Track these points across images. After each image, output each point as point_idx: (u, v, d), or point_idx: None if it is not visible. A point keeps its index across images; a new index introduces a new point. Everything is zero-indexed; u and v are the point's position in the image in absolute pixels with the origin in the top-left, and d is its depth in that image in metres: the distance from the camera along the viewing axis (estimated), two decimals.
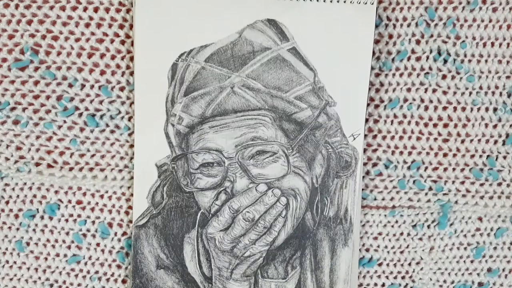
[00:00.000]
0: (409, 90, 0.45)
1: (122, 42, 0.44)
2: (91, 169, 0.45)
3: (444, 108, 0.45)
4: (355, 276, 0.46)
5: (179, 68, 0.43)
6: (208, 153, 0.43)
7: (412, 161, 0.45)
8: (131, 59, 0.43)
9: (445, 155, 0.46)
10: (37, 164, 0.45)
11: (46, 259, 0.46)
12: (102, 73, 0.44)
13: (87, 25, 0.43)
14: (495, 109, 0.45)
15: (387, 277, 0.47)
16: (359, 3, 0.42)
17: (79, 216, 0.46)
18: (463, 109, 0.45)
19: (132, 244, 0.45)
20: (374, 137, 0.45)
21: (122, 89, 0.44)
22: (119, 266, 0.46)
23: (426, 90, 0.45)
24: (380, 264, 0.47)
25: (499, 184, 0.46)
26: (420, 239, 0.47)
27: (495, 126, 0.45)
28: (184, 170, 0.44)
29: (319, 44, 0.43)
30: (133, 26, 0.43)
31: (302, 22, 0.43)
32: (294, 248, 0.44)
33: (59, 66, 0.44)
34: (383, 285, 0.48)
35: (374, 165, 0.46)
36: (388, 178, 0.46)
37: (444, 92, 0.45)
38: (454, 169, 0.46)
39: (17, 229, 0.46)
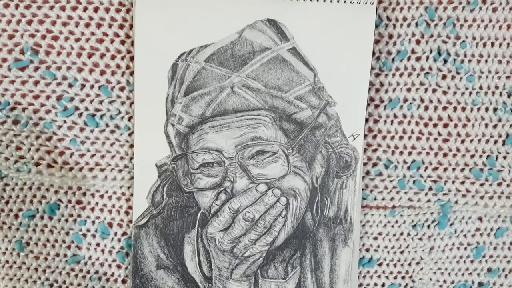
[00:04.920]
0: (409, 90, 0.45)
1: (122, 42, 0.44)
2: (91, 169, 0.45)
3: (444, 108, 0.45)
4: (355, 276, 0.46)
5: (179, 68, 0.43)
6: (208, 153, 0.43)
7: (412, 161, 0.46)
8: (131, 59, 0.43)
9: (445, 155, 0.46)
10: (37, 164, 0.45)
11: (46, 259, 0.46)
12: (102, 73, 0.44)
13: (87, 25, 0.43)
14: (495, 109, 0.45)
15: (387, 277, 0.47)
16: (359, 3, 0.42)
17: (79, 216, 0.46)
18: (463, 109, 0.45)
19: (132, 244, 0.45)
20: (374, 137, 0.45)
21: (122, 89, 0.44)
22: (119, 266, 0.46)
23: (426, 90, 0.45)
24: (380, 264, 0.47)
25: (499, 184, 0.46)
26: (420, 239, 0.47)
27: (495, 126, 0.45)
28: (184, 170, 0.44)
29: (319, 44, 0.43)
30: (133, 26, 0.43)
31: (302, 22, 0.43)
32: (294, 248, 0.44)
33: (59, 66, 0.44)
34: (383, 285, 0.48)
35: (374, 165, 0.46)
36: (388, 178, 0.46)
37: (444, 92, 0.45)
38: (454, 169, 0.46)
39: (17, 229, 0.46)
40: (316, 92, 0.43)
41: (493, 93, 0.45)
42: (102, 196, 0.46)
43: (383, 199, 0.46)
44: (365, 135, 0.45)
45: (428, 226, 0.46)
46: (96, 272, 0.46)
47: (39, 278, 0.46)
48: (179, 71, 0.43)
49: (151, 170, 0.44)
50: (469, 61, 0.44)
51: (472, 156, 0.46)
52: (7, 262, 0.46)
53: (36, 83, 0.44)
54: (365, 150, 0.45)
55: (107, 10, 0.43)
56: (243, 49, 0.43)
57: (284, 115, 0.43)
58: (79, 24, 0.43)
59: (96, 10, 0.43)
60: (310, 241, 0.44)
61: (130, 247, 0.45)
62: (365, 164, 0.45)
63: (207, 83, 0.43)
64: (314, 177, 0.44)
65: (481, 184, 0.46)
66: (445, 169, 0.46)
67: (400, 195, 0.46)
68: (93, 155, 0.45)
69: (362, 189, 0.46)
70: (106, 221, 0.46)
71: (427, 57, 0.44)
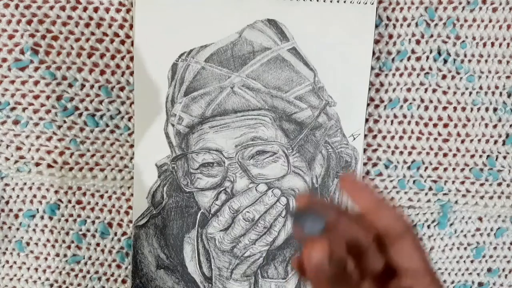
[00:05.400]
0: (409, 90, 0.45)
1: (122, 42, 0.43)
2: (91, 169, 0.45)
3: (444, 108, 0.45)
4: None
5: (179, 68, 0.43)
6: (208, 153, 0.43)
7: (412, 161, 0.45)
8: (131, 59, 0.43)
9: (445, 155, 0.46)
10: (37, 164, 0.45)
11: (46, 259, 0.46)
12: (102, 73, 0.44)
13: (87, 25, 0.43)
14: (495, 109, 0.45)
15: None
16: (359, 3, 0.42)
17: (79, 216, 0.46)
18: (463, 109, 0.45)
19: (132, 244, 0.45)
20: (374, 137, 0.45)
21: (122, 89, 0.44)
22: (119, 266, 0.46)
23: (426, 90, 0.45)
24: None
25: (499, 184, 0.46)
26: (420, 239, 0.46)
27: (495, 126, 0.45)
28: (184, 170, 0.44)
29: (319, 44, 0.43)
30: (133, 26, 0.43)
31: (302, 22, 0.43)
32: (294, 248, 0.44)
33: (59, 66, 0.44)
34: None
35: (374, 165, 0.46)
36: (388, 178, 0.46)
37: (444, 92, 0.45)
38: (454, 169, 0.46)
39: (17, 229, 0.46)
40: (316, 92, 0.43)
41: (493, 93, 0.45)
42: (102, 196, 0.46)
43: None
44: (365, 135, 0.45)
45: (428, 226, 0.46)
46: (96, 272, 0.46)
47: (39, 278, 0.46)
48: (179, 71, 0.43)
49: (151, 170, 0.44)
50: (469, 61, 0.44)
51: (472, 156, 0.46)
52: (7, 262, 0.46)
53: (36, 83, 0.44)
54: (365, 150, 0.45)
55: (107, 10, 0.43)
56: (243, 49, 0.43)
57: (284, 115, 0.43)
58: (79, 24, 0.43)
59: (96, 10, 0.43)
60: None
61: (130, 247, 0.45)
62: (365, 164, 0.45)
63: (207, 83, 0.43)
64: (314, 177, 0.44)
65: (481, 184, 0.46)
66: (445, 169, 0.46)
67: (400, 195, 0.46)
68: (93, 155, 0.45)
69: None
70: (106, 221, 0.46)
71: (427, 57, 0.44)
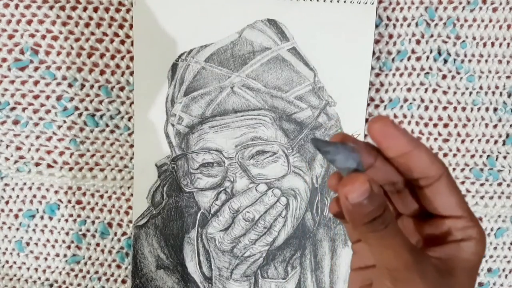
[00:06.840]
0: (409, 90, 0.45)
1: (122, 42, 0.43)
2: (90, 169, 0.45)
3: (444, 108, 0.45)
4: None
5: (179, 68, 0.43)
6: (208, 153, 0.43)
7: None
8: (131, 59, 0.43)
9: (445, 155, 0.46)
10: (37, 164, 0.45)
11: (46, 259, 0.46)
12: (102, 73, 0.44)
13: (87, 25, 0.43)
14: (495, 109, 0.45)
15: None
16: (359, 3, 0.42)
17: (79, 216, 0.46)
18: (463, 109, 0.45)
19: (132, 244, 0.45)
20: None
21: (122, 89, 0.44)
22: (119, 266, 0.46)
23: (426, 90, 0.45)
24: None
25: (499, 184, 0.46)
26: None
27: (495, 126, 0.45)
28: (184, 170, 0.44)
29: (319, 44, 0.43)
30: (133, 26, 0.43)
31: (302, 22, 0.43)
32: (294, 248, 0.44)
33: (59, 66, 0.44)
34: None
35: None
36: None
37: (444, 92, 0.45)
38: (454, 169, 0.46)
39: (17, 229, 0.46)
40: (316, 92, 0.43)
41: (493, 93, 0.45)
42: (102, 196, 0.46)
43: None
44: (365, 135, 0.45)
45: None
46: (96, 272, 0.46)
47: (39, 278, 0.46)
48: (179, 71, 0.43)
49: (151, 170, 0.44)
50: (469, 61, 0.44)
51: (472, 156, 0.46)
52: (7, 262, 0.46)
53: (36, 83, 0.44)
54: None
55: (107, 10, 0.43)
56: (243, 49, 0.43)
57: (284, 115, 0.43)
58: (78, 24, 0.43)
59: (95, 10, 0.43)
60: (310, 241, 0.44)
61: (130, 247, 0.45)
62: None
63: (207, 83, 0.43)
64: (314, 177, 0.44)
65: (481, 184, 0.46)
66: None
67: None
68: (92, 155, 0.45)
69: None
70: (106, 221, 0.46)
71: (427, 57, 0.44)
